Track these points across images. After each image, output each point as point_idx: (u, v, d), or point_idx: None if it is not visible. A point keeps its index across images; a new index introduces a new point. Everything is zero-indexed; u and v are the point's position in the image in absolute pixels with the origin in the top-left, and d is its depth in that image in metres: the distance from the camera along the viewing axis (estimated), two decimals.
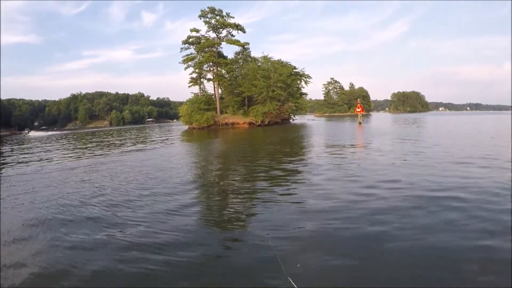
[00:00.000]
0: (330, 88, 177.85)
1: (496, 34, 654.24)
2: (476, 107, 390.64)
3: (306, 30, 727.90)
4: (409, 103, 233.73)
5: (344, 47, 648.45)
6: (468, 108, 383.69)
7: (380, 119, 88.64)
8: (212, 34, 64.00)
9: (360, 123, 55.55)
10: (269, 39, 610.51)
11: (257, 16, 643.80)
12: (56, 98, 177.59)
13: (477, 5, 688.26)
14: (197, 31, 63.09)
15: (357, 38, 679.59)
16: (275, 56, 73.80)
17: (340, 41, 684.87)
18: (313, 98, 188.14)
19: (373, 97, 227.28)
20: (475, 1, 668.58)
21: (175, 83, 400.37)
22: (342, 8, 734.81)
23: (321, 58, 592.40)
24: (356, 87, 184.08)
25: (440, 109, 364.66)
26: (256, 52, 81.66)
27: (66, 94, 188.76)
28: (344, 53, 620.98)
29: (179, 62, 64.51)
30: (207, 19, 61.75)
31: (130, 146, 30.48)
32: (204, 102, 60.20)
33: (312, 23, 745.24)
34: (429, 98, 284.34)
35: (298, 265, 5.28)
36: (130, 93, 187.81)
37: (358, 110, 61.53)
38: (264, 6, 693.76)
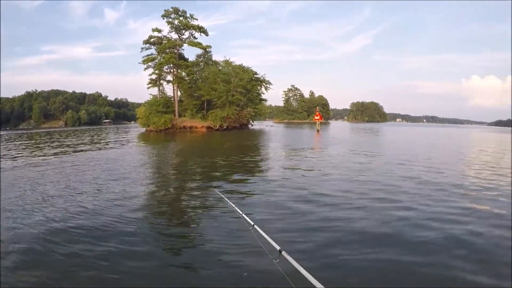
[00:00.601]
0: (290, 95, 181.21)
1: (457, 52, 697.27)
2: (432, 119, 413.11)
3: (270, 37, 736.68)
4: (367, 113, 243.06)
5: (306, 56, 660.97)
6: (424, 120, 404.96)
7: (338, 128, 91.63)
8: (174, 35, 64.05)
9: (318, 130, 57.24)
10: (233, 43, 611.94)
11: (222, 19, 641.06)
12: (10, 95, 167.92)
13: (439, 24, 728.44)
14: (159, 31, 62.86)
15: (320, 48, 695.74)
16: (238, 61, 74.73)
17: (303, 50, 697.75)
18: (273, 105, 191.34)
19: (332, 105, 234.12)
20: (438, 20, 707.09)
21: (135, 84, 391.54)
22: (307, 19, 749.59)
23: (283, 65, 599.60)
24: (316, 95, 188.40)
25: (398, 120, 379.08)
26: (219, 56, 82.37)
27: (21, 91, 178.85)
28: (306, 62, 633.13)
29: (139, 62, 63.75)
30: (170, 20, 61.59)
31: (80, 148, 29.81)
32: (162, 105, 59.91)
33: (276, 31, 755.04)
34: (387, 109, 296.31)
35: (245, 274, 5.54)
36: (88, 92, 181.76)
37: (316, 118, 63.44)
38: (230, 10, 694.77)
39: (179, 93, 64.64)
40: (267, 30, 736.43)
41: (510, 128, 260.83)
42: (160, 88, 65.67)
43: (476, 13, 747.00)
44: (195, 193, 11.23)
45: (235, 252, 6.32)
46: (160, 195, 11.15)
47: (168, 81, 65.41)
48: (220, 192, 9.28)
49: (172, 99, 64.36)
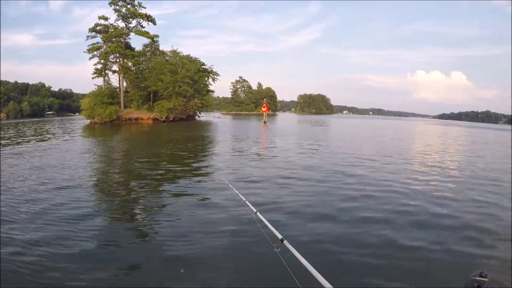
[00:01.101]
0: (238, 86, 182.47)
1: (403, 48, 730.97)
2: (378, 112, 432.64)
3: (220, 27, 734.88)
4: (314, 105, 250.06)
5: (256, 47, 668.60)
6: (370, 113, 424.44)
7: (285, 120, 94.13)
8: (121, 24, 62.82)
9: (265, 122, 58.96)
10: (182, 33, 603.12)
11: (172, 8, 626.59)
12: None
13: (388, 21, 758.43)
14: (106, 19, 61.31)
15: (269, 40, 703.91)
16: (187, 51, 74.41)
17: (253, 41, 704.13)
18: (221, 96, 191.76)
19: (280, 97, 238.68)
20: (384, 16, 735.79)
21: (80, 74, 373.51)
22: (256, 10, 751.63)
23: (232, 56, 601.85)
24: (264, 87, 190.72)
25: (344, 112, 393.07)
26: (167, 46, 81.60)
27: None
28: (255, 53, 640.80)
29: (84, 52, 61.65)
30: (118, 7, 60.45)
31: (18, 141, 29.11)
32: (107, 95, 58.64)
33: (226, 21, 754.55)
34: (334, 102, 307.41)
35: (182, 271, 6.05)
36: (31, 82, 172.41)
37: (263, 109, 65.34)
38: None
39: (125, 84, 63.92)
40: (217, 20, 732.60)
41: (453, 121, 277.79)
42: (106, 78, 64.20)
43: (421, 11, 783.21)
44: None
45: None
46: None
47: (114, 71, 64.06)
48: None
49: (117, 90, 63.29)
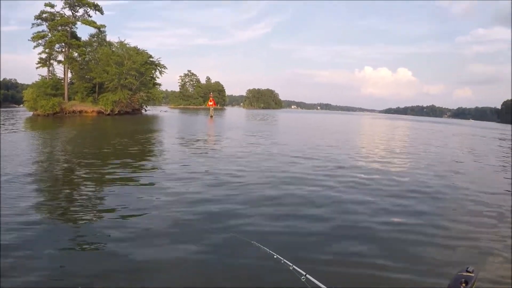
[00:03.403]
0: (187, 80, 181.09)
1: (352, 44, 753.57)
2: (326, 107, 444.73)
3: (171, 19, 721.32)
4: (263, 99, 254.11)
5: (208, 41, 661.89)
6: (318, 108, 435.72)
7: (233, 114, 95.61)
8: (67, 12, 60.82)
9: (211, 116, 59.88)
10: (134, 24, 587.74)
11: None
12: None
13: (337, 17, 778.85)
14: (52, 6, 58.87)
15: (220, 33, 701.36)
16: (138, 43, 73.53)
17: (203, 34, 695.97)
18: (169, 90, 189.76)
19: (229, 92, 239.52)
20: (337, 13, 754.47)
21: (26, 64, 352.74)
22: (209, 2, 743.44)
23: (182, 50, 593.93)
24: (214, 81, 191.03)
25: (293, 107, 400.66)
26: (120, 37, 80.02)
27: None
28: (207, 47, 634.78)
29: (28, 39, 58.73)
30: None
31: None
32: (51, 87, 56.64)
33: (177, 13, 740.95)
34: (283, 97, 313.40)
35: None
36: None
37: (210, 103, 66.32)
38: None
39: (70, 75, 62.42)
40: (169, 11, 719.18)
41: (398, 115, 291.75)
42: (50, 68, 61.95)
43: (370, 9, 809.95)
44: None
45: None
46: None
47: (59, 61, 62.04)
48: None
49: (62, 81, 61.56)
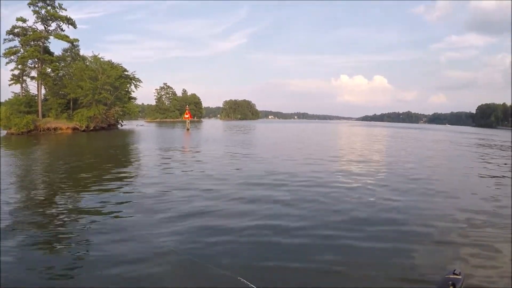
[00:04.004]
0: (163, 93, 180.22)
1: (327, 53, 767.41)
2: (303, 116, 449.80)
3: (148, 32, 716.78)
4: (240, 110, 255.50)
5: (184, 53, 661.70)
6: (296, 117, 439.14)
7: (210, 126, 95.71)
8: (40, 27, 59.57)
9: (188, 129, 59.93)
10: (109, 38, 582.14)
11: (98, 12, 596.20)
12: None
13: (310, 26, 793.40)
14: (24, 21, 57.54)
15: (197, 45, 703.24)
16: (113, 57, 72.89)
17: (180, 46, 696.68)
18: (146, 103, 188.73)
19: (206, 104, 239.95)
20: (309, 22, 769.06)
21: None
22: (186, 14, 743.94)
23: (159, 62, 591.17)
24: (190, 93, 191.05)
25: (270, 117, 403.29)
26: (95, 51, 79.50)
27: None
28: (183, 59, 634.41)
29: (0, 56, 57.67)
30: (37, 8, 57.36)
31: None
32: (25, 104, 55.47)
33: (154, 26, 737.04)
34: (260, 107, 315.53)
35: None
36: None
37: (186, 116, 66.46)
38: (107, 2, 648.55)
39: (43, 91, 61.49)
40: (145, 24, 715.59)
41: (375, 122, 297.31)
42: (24, 85, 60.73)
43: (344, 19, 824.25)
44: None
45: None
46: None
47: (32, 78, 60.67)
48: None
49: (36, 97, 60.39)
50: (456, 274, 3.14)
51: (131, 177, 16.29)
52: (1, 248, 7.29)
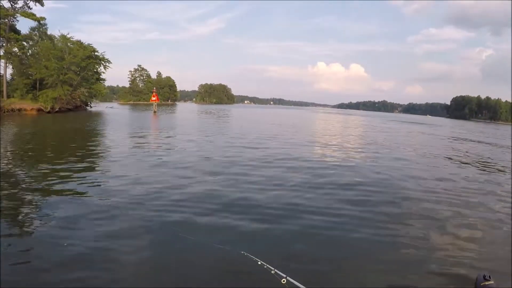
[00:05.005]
0: (137, 75, 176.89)
1: (305, 40, 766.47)
2: (279, 102, 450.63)
3: (124, 13, 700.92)
4: (215, 95, 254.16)
5: (160, 35, 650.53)
6: (272, 103, 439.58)
7: (182, 109, 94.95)
8: (7, 4, 57.05)
9: (155, 112, 59.19)
10: (85, 18, 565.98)
11: None
12: None
13: (288, 14, 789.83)
14: None
15: (174, 28, 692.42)
16: (88, 37, 70.31)
17: (156, 29, 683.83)
18: (121, 85, 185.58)
19: (182, 87, 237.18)
20: (287, 10, 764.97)
21: None
22: None
23: (135, 44, 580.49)
24: (165, 76, 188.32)
25: (246, 102, 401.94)
26: (71, 31, 76.67)
27: None
28: (159, 42, 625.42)
29: None
30: None
31: None
32: None
33: (130, 7, 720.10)
34: (235, 92, 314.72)
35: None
36: None
37: (153, 99, 65.23)
38: None
39: (10, 71, 59.56)
40: (121, 6, 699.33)
41: (350, 110, 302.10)
42: None
43: (322, 7, 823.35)
44: None
45: None
46: None
47: None
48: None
49: (1, 77, 58.44)
50: (487, 279, 2.96)
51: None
52: None
